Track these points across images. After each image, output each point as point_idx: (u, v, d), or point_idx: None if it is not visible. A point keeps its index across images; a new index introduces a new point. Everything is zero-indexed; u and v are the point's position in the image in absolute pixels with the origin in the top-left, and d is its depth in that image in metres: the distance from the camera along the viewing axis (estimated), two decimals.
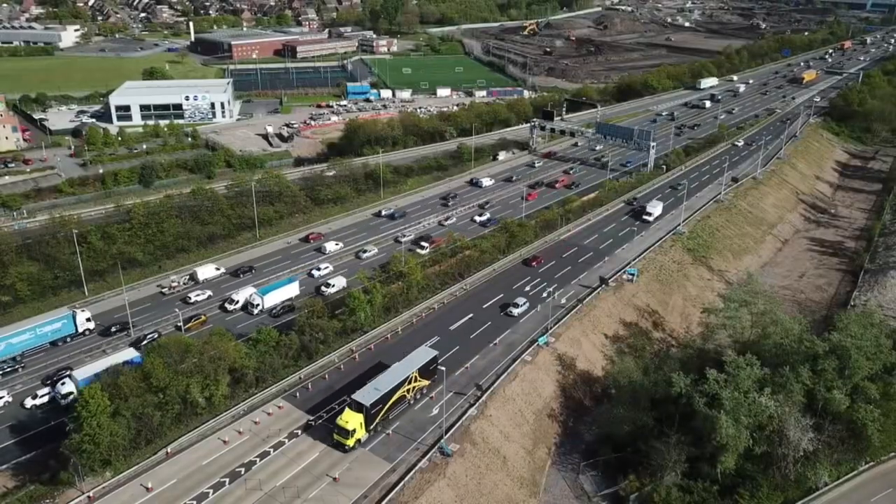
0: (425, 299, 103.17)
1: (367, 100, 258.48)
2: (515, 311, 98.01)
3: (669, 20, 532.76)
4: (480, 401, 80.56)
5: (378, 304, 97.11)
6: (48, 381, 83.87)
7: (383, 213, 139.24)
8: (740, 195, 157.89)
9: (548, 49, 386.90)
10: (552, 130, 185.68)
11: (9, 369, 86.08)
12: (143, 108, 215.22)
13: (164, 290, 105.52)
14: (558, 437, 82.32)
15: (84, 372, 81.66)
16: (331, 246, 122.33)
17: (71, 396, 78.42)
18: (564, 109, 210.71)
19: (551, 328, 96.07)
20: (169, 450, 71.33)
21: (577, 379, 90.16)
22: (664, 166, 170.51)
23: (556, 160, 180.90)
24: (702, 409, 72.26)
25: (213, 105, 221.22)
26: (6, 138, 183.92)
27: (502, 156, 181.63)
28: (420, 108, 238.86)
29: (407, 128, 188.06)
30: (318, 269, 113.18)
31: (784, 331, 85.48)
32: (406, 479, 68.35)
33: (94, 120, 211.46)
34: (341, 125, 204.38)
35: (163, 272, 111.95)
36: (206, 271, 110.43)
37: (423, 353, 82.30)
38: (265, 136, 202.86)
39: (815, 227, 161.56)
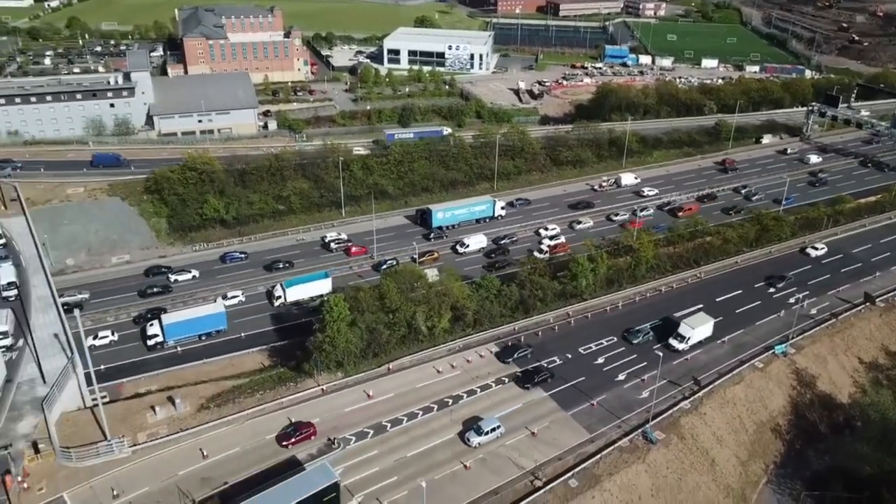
0: (653, 279, 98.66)
1: (624, 64, 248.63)
2: (474, 441, 67.42)
3: None
4: (696, 396, 75.50)
5: (602, 275, 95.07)
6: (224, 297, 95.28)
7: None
8: None
9: (844, 24, 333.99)
10: (834, 118, 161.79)
11: (435, 236, 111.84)
12: (411, 53, 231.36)
13: (594, 188, 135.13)
14: (779, 457, 74.37)
15: (170, 318, 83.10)
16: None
17: (156, 339, 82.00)
18: (854, 96, 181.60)
19: (793, 338, 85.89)
20: (391, 366, 78.33)
21: (815, 400, 79.91)
22: None
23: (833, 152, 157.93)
24: None
25: (472, 56, 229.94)
26: (298, 70, 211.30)
27: (767, 139, 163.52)
28: (680, 77, 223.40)
29: (662, 97, 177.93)
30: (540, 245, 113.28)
31: None
32: (603, 453, 67.24)
33: (368, 60, 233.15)
34: (593, 87, 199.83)
35: (408, 207, 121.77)
36: (628, 178, 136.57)
37: (315, 477, 57.62)
38: (516, 92, 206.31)
39: None
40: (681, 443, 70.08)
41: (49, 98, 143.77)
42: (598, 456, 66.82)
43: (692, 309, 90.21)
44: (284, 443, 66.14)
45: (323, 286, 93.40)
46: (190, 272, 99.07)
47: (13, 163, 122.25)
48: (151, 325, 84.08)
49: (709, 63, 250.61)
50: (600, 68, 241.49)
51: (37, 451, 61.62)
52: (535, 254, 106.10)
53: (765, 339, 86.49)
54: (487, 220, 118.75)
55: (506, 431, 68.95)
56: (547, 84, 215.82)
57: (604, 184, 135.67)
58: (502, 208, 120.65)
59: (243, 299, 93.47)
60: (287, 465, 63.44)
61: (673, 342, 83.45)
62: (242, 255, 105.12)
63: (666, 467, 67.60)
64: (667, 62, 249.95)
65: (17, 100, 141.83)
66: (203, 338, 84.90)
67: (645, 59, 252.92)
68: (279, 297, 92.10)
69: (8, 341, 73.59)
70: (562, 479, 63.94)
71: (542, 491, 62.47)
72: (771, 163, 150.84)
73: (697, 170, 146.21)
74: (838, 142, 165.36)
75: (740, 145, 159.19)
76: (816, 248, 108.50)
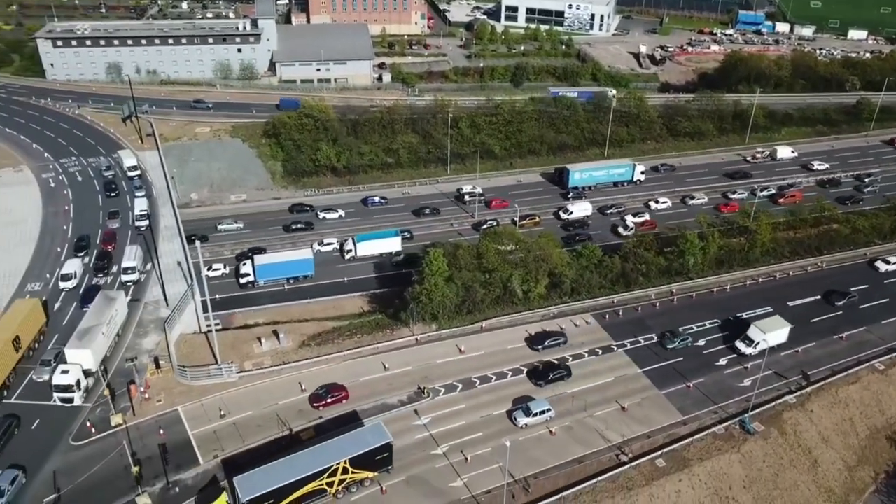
0: (767, 264, 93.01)
1: (758, 32, 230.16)
2: (521, 421, 65.12)
3: None
4: (804, 391, 71.19)
5: (712, 255, 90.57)
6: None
7: None
8: None
9: None
10: None
11: (576, 195, 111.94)
12: (529, 10, 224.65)
13: (747, 159, 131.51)
14: (892, 467, 69.18)
15: (262, 260, 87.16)
16: None
17: (247, 278, 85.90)
18: None
19: None
20: (484, 325, 78.97)
21: None
22: None
23: None
24: None
25: (592, 16, 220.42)
26: (415, 24, 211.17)
27: None
28: (821, 49, 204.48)
29: (798, 69, 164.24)
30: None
31: None
32: (696, 437, 65.09)
33: (485, 17, 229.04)
34: (721, 56, 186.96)
35: (513, 168, 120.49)
36: (784, 151, 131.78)
37: (369, 436, 57.95)
38: (636, 56, 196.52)
39: None
40: (781, 437, 66.61)
41: (184, 41, 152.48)
42: (690, 439, 64.80)
43: (808, 300, 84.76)
44: (316, 404, 65.40)
45: (393, 244, 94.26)
46: (337, 211, 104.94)
47: (204, 103, 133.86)
48: (244, 264, 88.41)
49: (856, 34, 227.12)
50: (730, 35, 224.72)
51: (157, 366, 67.58)
52: (620, 230, 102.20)
53: (890, 339, 79.79)
54: (625, 184, 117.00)
55: (597, 401, 68.19)
56: (670, 49, 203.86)
57: (758, 155, 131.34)
58: (642, 173, 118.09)
59: (338, 246, 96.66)
60: (379, 409, 65.92)
61: (739, 345, 75.67)
62: (383, 200, 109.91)
63: (762, 460, 64.62)
64: (807, 31, 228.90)
65: (157, 41, 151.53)
66: (291, 281, 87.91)
67: (782, 27, 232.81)
68: (350, 250, 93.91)
69: (135, 276, 78.69)
70: (649, 457, 62.70)
71: (627, 466, 61.60)
72: None
73: (829, 151, 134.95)
74: None
75: (883, 127, 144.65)
76: (888, 262, 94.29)
